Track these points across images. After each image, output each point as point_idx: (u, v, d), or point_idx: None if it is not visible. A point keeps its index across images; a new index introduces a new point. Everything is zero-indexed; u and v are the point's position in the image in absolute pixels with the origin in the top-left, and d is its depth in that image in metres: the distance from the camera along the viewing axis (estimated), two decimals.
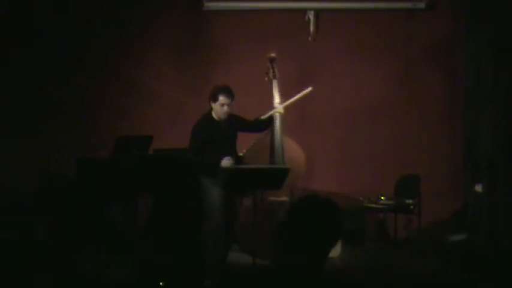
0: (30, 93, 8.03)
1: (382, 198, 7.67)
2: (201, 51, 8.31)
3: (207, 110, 6.44)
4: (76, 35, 8.11)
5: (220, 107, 6.32)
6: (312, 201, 2.99)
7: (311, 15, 8.28)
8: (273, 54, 6.86)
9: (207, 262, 6.27)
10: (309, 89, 6.78)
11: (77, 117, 8.07)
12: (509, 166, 7.25)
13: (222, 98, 6.30)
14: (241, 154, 6.66)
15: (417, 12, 8.35)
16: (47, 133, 7.94)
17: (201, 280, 6.21)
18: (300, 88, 7.04)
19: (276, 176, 6.16)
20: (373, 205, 7.67)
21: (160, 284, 5.74)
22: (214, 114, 6.41)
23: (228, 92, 6.31)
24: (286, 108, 6.75)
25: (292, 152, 6.83)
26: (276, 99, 6.77)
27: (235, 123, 6.54)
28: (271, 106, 6.75)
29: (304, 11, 8.32)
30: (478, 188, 7.47)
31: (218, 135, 6.40)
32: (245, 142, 6.81)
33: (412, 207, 7.64)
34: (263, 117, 6.67)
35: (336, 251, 6.76)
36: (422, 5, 8.29)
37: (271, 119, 6.71)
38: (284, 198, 6.68)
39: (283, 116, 6.75)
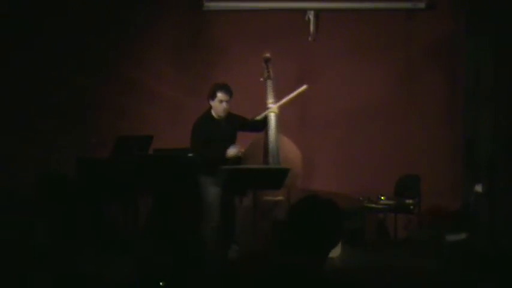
0: (30, 93, 8.03)
1: (382, 198, 7.67)
2: (201, 51, 8.31)
3: (206, 109, 6.46)
4: (76, 35, 8.11)
5: (219, 104, 6.39)
6: (313, 202, 2.99)
7: (311, 15, 8.28)
8: (267, 55, 6.88)
9: (207, 262, 6.28)
10: (304, 87, 6.77)
11: (77, 117, 8.07)
12: (509, 166, 7.25)
13: (220, 95, 6.38)
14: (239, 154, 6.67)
15: (417, 12, 8.35)
16: (47, 133, 7.94)
17: (201, 280, 6.21)
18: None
19: (276, 176, 6.17)
20: (373, 205, 7.66)
21: (160, 284, 5.74)
22: (213, 113, 6.46)
23: (226, 89, 6.39)
24: (281, 107, 6.76)
25: (288, 152, 6.82)
26: (270, 99, 6.78)
27: (234, 122, 6.56)
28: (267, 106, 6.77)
29: (304, 11, 8.32)
30: (478, 188, 7.47)
31: (218, 134, 6.43)
32: (244, 142, 6.81)
33: (412, 207, 7.64)
34: (257, 118, 6.68)
35: (336, 251, 6.75)
36: (422, 5, 8.29)
37: (265, 120, 6.71)
38: (280, 198, 6.68)
39: (278, 116, 6.75)
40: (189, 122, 6.70)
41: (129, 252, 6.68)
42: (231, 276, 5.98)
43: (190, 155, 6.82)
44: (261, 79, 6.85)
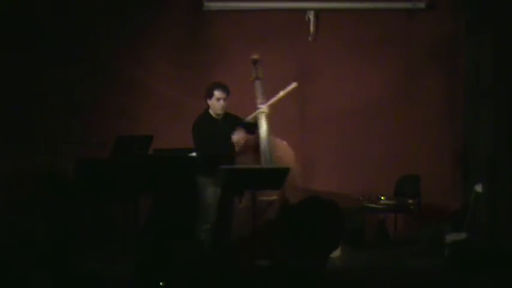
0: (30, 93, 8.03)
1: (382, 198, 7.67)
2: (201, 51, 8.30)
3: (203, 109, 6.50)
4: (76, 34, 8.10)
5: (216, 102, 6.50)
6: (314, 203, 2.99)
7: (311, 15, 8.29)
8: (255, 56, 6.94)
9: (206, 262, 6.29)
10: (293, 84, 6.81)
11: (77, 117, 8.07)
12: (509, 166, 7.24)
13: (217, 93, 6.50)
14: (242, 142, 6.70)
15: (417, 12, 8.35)
16: (47, 133, 7.94)
17: (200, 280, 6.20)
18: (299, 88, 7.05)
19: (276, 176, 6.17)
20: (373, 205, 7.67)
21: (160, 284, 5.74)
22: (211, 112, 6.54)
23: (223, 87, 6.51)
24: (272, 106, 6.77)
25: (281, 151, 6.83)
26: (259, 99, 6.80)
27: (232, 122, 6.60)
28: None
29: (304, 11, 8.32)
30: (478, 188, 7.46)
31: (217, 132, 6.48)
32: None
33: (412, 207, 7.64)
34: (248, 118, 6.71)
35: (336, 251, 6.74)
36: (422, 5, 8.30)
37: (256, 121, 6.74)
38: (274, 198, 6.68)
39: (269, 116, 6.77)
40: (189, 122, 6.71)
41: (129, 252, 6.68)
42: (230, 276, 5.97)
43: (190, 155, 6.83)
44: (250, 80, 6.89)
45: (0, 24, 7.94)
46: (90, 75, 8.13)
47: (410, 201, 7.65)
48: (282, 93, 6.76)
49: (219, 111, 6.52)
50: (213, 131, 6.49)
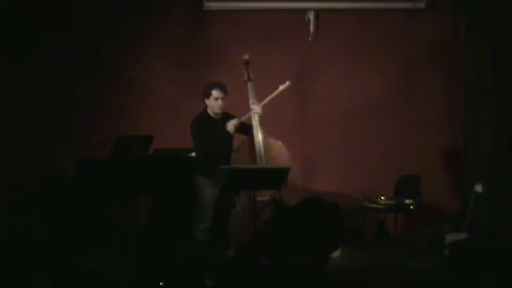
0: (30, 93, 8.03)
1: (382, 198, 7.67)
2: (201, 51, 8.31)
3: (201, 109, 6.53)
4: (76, 34, 8.11)
5: (214, 101, 6.55)
6: (315, 203, 2.99)
7: (311, 15, 8.29)
8: (246, 57, 6.96)
9: (206, 262, 6.29)
10: (286, 83, 6.82)
11: (77, 117, 8.07)
12: (509, 166, 7.24)
13: (215, 92, 6.55)
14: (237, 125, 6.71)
15: (417, 12, 8.36)
16: (47, 133, 7.94)
17: (201, 280, 6.21)
18: (299, 88, 7.06)
19: (276, 176, 6.17)
20: (373, 205, 7.66)
21: (160, 284, 5.74)
22: (209, 111, 6.58)
23: (221, 87, 6.57)
24: (265, 106, 6.79)
25: (276, 151, 6.83)
26: (252, 100, 6.81)
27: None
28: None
29: (304, 11, 8.33)
30: (478, 188, 7.46)
31: (216, 132, 6.50)
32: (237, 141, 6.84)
33: (412, 207, 7.64)
34: (241, 119, 6.72)
35: (336, 251, 6.75)
36: (422, 5, 8.31)
37: (250, 121, 6.76)
38: (269, 198, 6.68)
39: (262, 116, 6.78)
40: (188, 122, 6.71)
41: (129, 252, 6.68)
42: (230, 276, 5.98)
43: (190, 154, 6.84)
44: (243, 81, 6.90)
45: (0, 24, 7.94)
46: (90, 75, 8.13)
47: (410, 201, 7.65)
48: (275, 93, 6.79)
49: (217, 111, 6.57)
50: (212, 131, 6.51)
